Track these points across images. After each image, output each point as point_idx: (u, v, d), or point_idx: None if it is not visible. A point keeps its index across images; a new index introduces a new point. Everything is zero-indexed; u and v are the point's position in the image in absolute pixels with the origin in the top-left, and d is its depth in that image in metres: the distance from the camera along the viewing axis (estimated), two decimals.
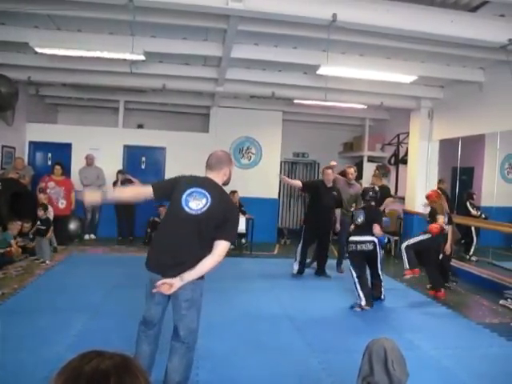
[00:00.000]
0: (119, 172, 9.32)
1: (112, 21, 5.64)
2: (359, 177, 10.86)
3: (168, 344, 3.02)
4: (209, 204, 2.86)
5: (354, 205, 7.63)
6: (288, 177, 12.48)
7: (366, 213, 5.80)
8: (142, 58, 6.11)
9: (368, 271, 5.88)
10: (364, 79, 6.94)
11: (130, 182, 9.07)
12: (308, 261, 7.75)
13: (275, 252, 9.45)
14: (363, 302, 5.47)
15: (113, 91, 9.75)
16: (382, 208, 9.33)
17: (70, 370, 0.90)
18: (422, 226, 6.83)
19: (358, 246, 5.67)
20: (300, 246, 7.14)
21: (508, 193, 9.04)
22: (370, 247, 5.65)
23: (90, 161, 9.51)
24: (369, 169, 10.81)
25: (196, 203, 2.86)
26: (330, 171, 7.17)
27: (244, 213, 8.91)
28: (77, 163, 9.72)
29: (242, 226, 8.53)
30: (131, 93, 9.93)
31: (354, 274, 5.62)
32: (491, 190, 8.77)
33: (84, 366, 0.90)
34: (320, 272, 7.23)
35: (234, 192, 8.95)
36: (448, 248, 6.42)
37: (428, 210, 6.67)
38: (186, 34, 6.21)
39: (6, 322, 4.36)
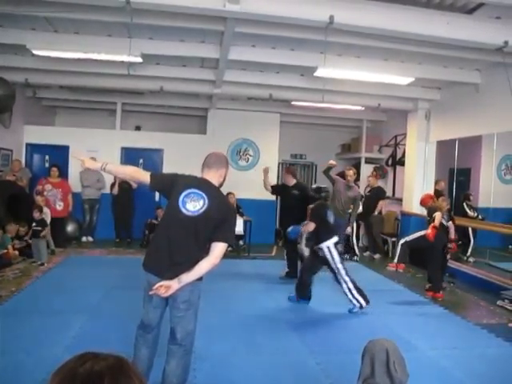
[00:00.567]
0: None
1: (109, 23, 5.65)
2: (357, 178, 10.92)
3: (165, 347, 3.02)
4: (206, 205, 2.86)
5: (351, 206, 7.66)
6: None
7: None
8: (140, 60, 6.11)
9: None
10: (361, 81, 6.95)
11: (127, 184, 9.08)
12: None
13: (273, 253, 9.45)
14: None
15: (110, 93, 9.75)
16: (377, 209, 9.41)
17: (64, 371, 0.91)
18: (419, 228, 6.84)
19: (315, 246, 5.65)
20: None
21: (505, 194, 9.07)
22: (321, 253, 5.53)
23: None
24: (366, 170, 10.82)
25: (193, 204, 2.86)
26: (287, 173, 7.14)
27: (242, 215, 8.92)
28: (74, 165, 9.69)
29: (239, 228, 8.54)
30: (129, 95, 9.93)
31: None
32: (488, 191, 8.81)
33: (79, 367, 0.91)
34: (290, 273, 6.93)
35: (230, 194, 8.96)
36: (454, 245, 6.60)
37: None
38: (184, 35, 6.22)
39: (3, 323, 4.35)
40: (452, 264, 7.36)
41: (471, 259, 8.44)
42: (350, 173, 7.60)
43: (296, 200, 6.79)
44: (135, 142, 10.22)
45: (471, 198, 8.94)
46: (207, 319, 4.82)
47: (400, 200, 9.69)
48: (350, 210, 7.71)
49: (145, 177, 3.00)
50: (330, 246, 5.41)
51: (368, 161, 11.27)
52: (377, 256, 9.25)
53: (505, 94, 6.28)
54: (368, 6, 4.85)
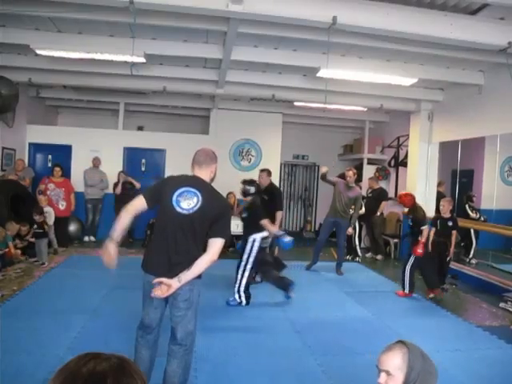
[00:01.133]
0: (121, 172, 9.34)
1: (113, 23, 5.66)
2: (359, 179, 10.91)
3: (166, 347, 3.02)
4: (200, 202, 2.86)
5: (352, 207, 7.65)
6: (288, 179, 12.59)
7: (250, 210, 5.71)
8: (143, 60, 6.12)
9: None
10: (364, 82, 6.93)
11: (130, 184, 9.10)
12: (307, 263, 7.78)
13: (275, 254, 9.41)
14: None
15: (113, 93, 9.76)
16: (379, 211, 9.40)
17: (67, 371, 0.91)
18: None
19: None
20: None
21: (508, 195, 9.04)
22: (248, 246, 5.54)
23: (96, 162, 9.62)
24: (368, 171, 10.81)
25: (187, 203, 2.86)
26: (262, 174, 6.97)
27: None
28: (77, 165, 9.76)
29: (242, 229, 8.51)
30: (131, 95, 9.94)
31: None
32: (491, 193, 8.79)
33: (81, 367, 0.91)
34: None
35: (230, 193, 8.98)
36: (452, 251, 6.42)
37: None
38: (187, 36, 6.23)
39: (5, 323, 4.36)
40: (454, 265, 7.34)
41: (473, 261, 8.43)
42: (350, 173, 7.59)
43: (265, 205, 6.32)
44: (138, 142, 10.23)
45: (474, 199, 8.92)
46: (208, 320, 4.84)
47: None
48: (352, 211, 7.70)
49: (140, 202, 2.93)
50: (256, 238, 5.50)
51: (370, 162, 11.26)
52: (379, 257, 9.24)
53: (508, 96, 6.30)
54: (371, 7, 4.84)
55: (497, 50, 5.31)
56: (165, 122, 11.32)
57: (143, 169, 10.28)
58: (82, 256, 8.04)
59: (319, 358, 4.04)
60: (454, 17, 5.03)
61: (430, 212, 7.91)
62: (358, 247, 9.10)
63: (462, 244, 8.68)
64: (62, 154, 9.84)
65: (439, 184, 9.05)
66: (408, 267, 6.23)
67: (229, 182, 7.96)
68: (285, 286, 5.74)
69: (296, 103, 9.29)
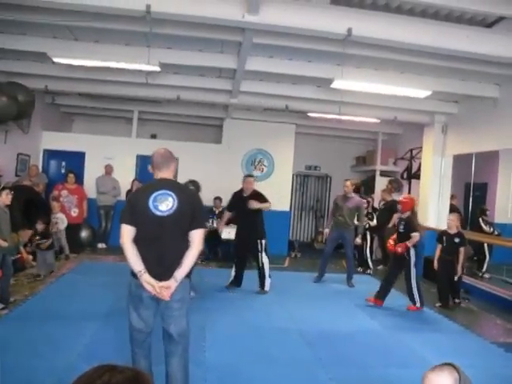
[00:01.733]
0: (135, 180, 9.38)
1: (129, 32, 5.73)
2: (372, 191, 10.85)
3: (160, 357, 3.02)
4: (176, 202, 2.93)
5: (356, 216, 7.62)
6: (300, 190, 12.57)
7: None
8: (158, 69, 6.16)
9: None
10: (378, 93, 6.93)
11: None
12: (316, 275, 7.72)
13: (286, 265, 9.40)
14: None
15: (127, 101, 9.86)
16: (391, 223, 9.33)
17: (82, 382, 0.91)
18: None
19: None
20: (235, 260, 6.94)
21: None
22: None
23: (109, 169, 9.69)
24: (381, 183, 10.74)
25: (165, 204, 2.92)
26: (251, 179, 6.96)
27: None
28: (90, 172, 9.83)
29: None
30: (145, 103, 10.03)
31: None
32: (505, 207, 8.71)
33: (96, 379, 0.90)
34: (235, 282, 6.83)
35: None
36: (459, 270, 6.30)
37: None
38: (202, 46, 6.27)
39: (17, 327, 4.39)
40: (467, 280, 7.25)
41: (486, 275, 8.31)
42: (347, 184, 7.66)
43: (255, 210, 6.65)
44: (151, 151, 10.10)
45: (487, 213, 8.82)
46: (217, 329, 4.81)
47: None
48: (357, 222, 7.67)
49: (127, 230, 2.97)
50: None
51: (383, 174, 11.21)
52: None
53: None
54: (386, 19, 4.85)
55: None
56: (178, 131, 11.37)
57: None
58: (93, 262, 8.07)
59: (330, 370, 3.98)
60: (470, 29, 5.03)
61: (443, 225, 7.82)
62: (369, 259, 9.01)
63: (475, 258, 8.58)
64: (75, 161, 9.93)
65: (452, 197, 8.97)
66: (413, 281, 6.12)
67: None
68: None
69: (310, 114, 9.29)
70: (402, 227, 6.18)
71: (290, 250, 10.67)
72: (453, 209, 8.39)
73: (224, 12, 4.62)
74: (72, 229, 8.43)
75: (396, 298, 6.62)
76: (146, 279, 2.83)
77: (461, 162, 8.75)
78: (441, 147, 8.81)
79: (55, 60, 6.18)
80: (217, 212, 9.31)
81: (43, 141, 9.99)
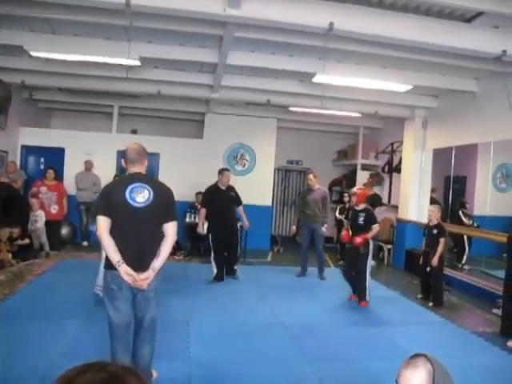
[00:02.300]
0: (116, 176, 9.25)
1: (108, 26, 5.62)
2: (353, 184, 10.92)
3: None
4: (152, 194, 3.04)
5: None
6: (282, 184, 12.59)
7: None
8: (138, 63, 6.09)
9: None
10: (359, 87, 6.95)
11: None
12: (299, 270, 7.73)
13: (268, 259, 9.42)
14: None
15: (107, 96, 9.71)
16: None
17: (64, 381, 0.89)
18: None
19: None
20: (212, 255, 6.96)
21: (500, 202, 9.10)
22: None
23: (88, 166, 9.54)
24: (362, 177, 10.84)
25: (142, 196, 3.01)
26: (229, 173, 7.11)
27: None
28: (70, 168, 9.68)
29: None
30: (125, 98, 9.89)
31: None
32: (484, 199, 8.85)
33: (79, 377, 0.88)
34: (229, 272, 7.13)
35: None
36: (436, 261, 6.20)
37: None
38: (183, 40, 6.20)
39: None
40: (447, 272, 7.35)
41: (466, 267, 8.45)
42: (309, 176, 7.73)
43: (232, 202, 7.02)
44: None
45: (467, 205, 8.96)
46: (203, 326, 4.80)
47: (396, 207, 9.69)
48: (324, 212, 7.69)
49: (103, 222, 2.98)
50: None
51: (364, 167, 11.28)
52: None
53: (502, 103, 6.33)
54: (368, 14, 4.85)
55: (491, 57, 5.34)
56: (159, 126, 11.26)
57: None
58: (74, 260, 7.96)
59: (315, 364, 4.01)
60: (450, 24, 5.06)
61: (424, 219, 7.91)
62: None
63: (455, 250, 8.71)
64: (54, 157, 9.76)
65: (432, 190, 9.08)
66: (368, 276, 6.08)
67: None
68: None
69: (292, 108, 9.29)
70: (361, 219, 6.09)
71: (273, 244, 10.70)
72: (433, 202, 8.49)
73: (205, 5, 4.56)
74: (52, 226, 8.31)
75: (378, 289, 6.70)
76: (125, 269, 2.88)
77: (441, 155, 8.86)
78: (421, 141, 8.90)
79: (33, 54, 6.06)
80: (199, 207, 9.24)
81: (21, 137, 9.78)
